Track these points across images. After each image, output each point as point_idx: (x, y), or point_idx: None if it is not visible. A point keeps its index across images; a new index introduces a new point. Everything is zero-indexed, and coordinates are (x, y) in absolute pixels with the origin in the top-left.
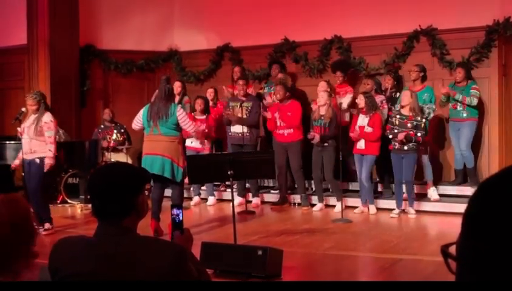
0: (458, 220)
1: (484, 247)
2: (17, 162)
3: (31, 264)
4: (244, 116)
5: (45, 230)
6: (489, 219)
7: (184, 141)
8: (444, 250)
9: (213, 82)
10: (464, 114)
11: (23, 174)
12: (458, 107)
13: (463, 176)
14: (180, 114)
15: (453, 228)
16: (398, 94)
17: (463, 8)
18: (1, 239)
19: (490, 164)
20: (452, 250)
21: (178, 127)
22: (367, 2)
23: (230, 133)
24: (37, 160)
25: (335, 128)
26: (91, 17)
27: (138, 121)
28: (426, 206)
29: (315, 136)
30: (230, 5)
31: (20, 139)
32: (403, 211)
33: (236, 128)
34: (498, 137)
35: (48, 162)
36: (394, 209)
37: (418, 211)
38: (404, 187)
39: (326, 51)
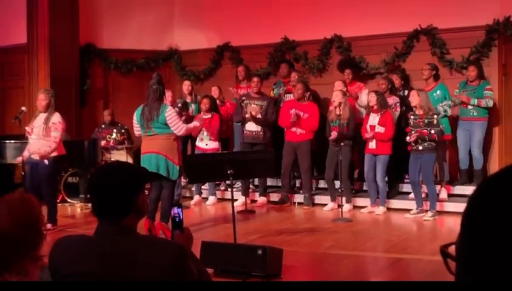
0: (459, 220)
1: (483, 247)
2: (21, 158)
3: (37, 266)
4: (259, 115)
5: (47, 230)
6: (488, 219)
7: (181, 139)
8: (443, 250)
9: (213, 81)
10: (475, 114)
11: (22, 173)
12: (468, 106)
13: (468, 176)
14: (169, 115)
15: (453, 227)
16: (406, 91)
17: (463, 8)
18: (12, 238)
19: (490, 164)
20: (452, 250)
21: None
22: (367, 1)
23: (246, 132)
24: (46, 161)
25: (354, 127)
26: (91, 16)
27: (136, 127)
28: (426, 205)
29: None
30: (230, 5)
31: (26, 138)
32: (422, 211)
33: (250, 127)
34: (498, 136)
35: (44, 153)
36: (399, 209)
37: (420, 210)
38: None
39: (326, 50)
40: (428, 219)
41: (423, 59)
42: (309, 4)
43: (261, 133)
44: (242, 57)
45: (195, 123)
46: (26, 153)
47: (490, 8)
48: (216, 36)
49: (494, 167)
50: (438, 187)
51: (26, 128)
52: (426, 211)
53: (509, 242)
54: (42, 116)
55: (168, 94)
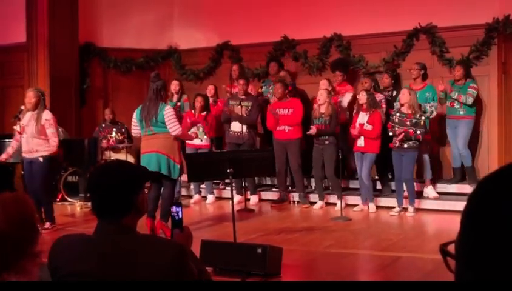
0: (458, 219)
1: (483, 245)
2: (3, 156)
3: (36, 263)
4: (244, 115)
5: (45, 229)
6: (488, 217)
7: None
8: (443, 249)
9: (213, 80)
10: (461, 112)
11: (22, 172)
12: (455, 104)
13: (462, 174)
14: (167, 113)
15: (452, 226)
16: (395, 92)
17: (462, 6)
18: (8, 237)
19: (489, 162)
20: (451, 248)
21: None
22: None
23: (230, 132)
24: (41, 159)
25: (335, 124)
26: (90, 15)
27: (135, 126)
28: (425, 204)
29: (312, 129)
30: (229, 3)
31: (13, 137)
32: (404, 209)
33: (235, 127)
34: (497, 135)
35: (51, 149)
36: (393, 207)
37: (417, 209)
38: (404, 185)
39: (325, 49)
40: (411, 215)
41: (422, 57)
42: (309, 3)
43: (245, 133)
44: (241, 56)
45: (191, 134)
46: (10, 151)
47: (489, 6)
48: (215, 35)
49: (493, 165)
50: (424, 185)
51: (15, 127)
52: (406, 208)
53: (508, 240)
54: (31, 114)
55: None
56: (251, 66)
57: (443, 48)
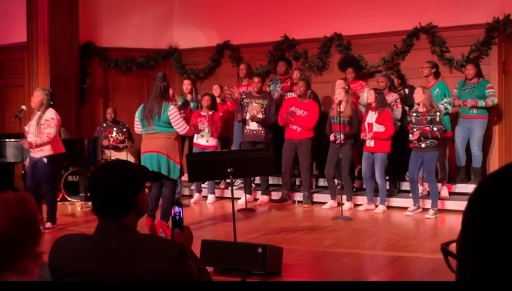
0: (460, 218)
1: (484, 245)
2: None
3: (37, 264)
4: (260, 114)
5: (46, 228)
6: (489, 217)
7: (182, 138)
8: (444, 248)
9: (213, 80)
10: (475, 112)
11: (22, 172)
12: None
13: (466, 173)
14: (172, 113)
15: (454, 226)
16: (407, 90)
17: (462, 6)
18: (10, 237)
19: (490, 162)
20: (453, 248)
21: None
22: None
23: (246, 130)
24: (45, 160)
25: (357, 126)
26: (90, 15)
27: (137, 124)
28: (429, 204)
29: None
30: (229, 3)
31: (24, 138)
32: (418, 208)
33: (253, 125)
34: (498, 134)
35: (34, 143)
36: (398, 207)
37: (417, 207)
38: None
39: (325, 48)
40: (430, 216)
41: (422, 57)
42: (309, 2)
43: (262, 131)
44: (242, 56)
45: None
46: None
47: (490, 6)
48: (215, 34)
49: (494, 165)
50: (439, 185)
51: (25, 127)
52: (424, 208)
53: (510, 240)
54: (37, 114)
55: (187, 83)
56: (251, 66)
57: (443, 47)
